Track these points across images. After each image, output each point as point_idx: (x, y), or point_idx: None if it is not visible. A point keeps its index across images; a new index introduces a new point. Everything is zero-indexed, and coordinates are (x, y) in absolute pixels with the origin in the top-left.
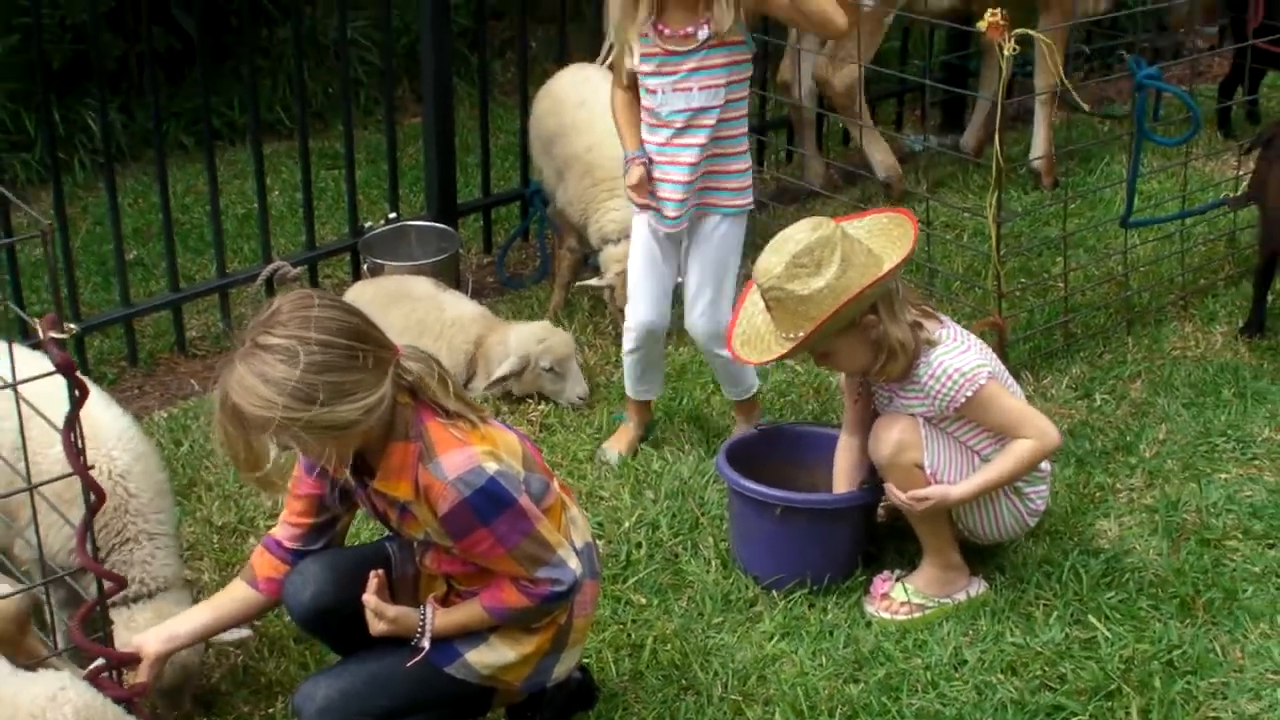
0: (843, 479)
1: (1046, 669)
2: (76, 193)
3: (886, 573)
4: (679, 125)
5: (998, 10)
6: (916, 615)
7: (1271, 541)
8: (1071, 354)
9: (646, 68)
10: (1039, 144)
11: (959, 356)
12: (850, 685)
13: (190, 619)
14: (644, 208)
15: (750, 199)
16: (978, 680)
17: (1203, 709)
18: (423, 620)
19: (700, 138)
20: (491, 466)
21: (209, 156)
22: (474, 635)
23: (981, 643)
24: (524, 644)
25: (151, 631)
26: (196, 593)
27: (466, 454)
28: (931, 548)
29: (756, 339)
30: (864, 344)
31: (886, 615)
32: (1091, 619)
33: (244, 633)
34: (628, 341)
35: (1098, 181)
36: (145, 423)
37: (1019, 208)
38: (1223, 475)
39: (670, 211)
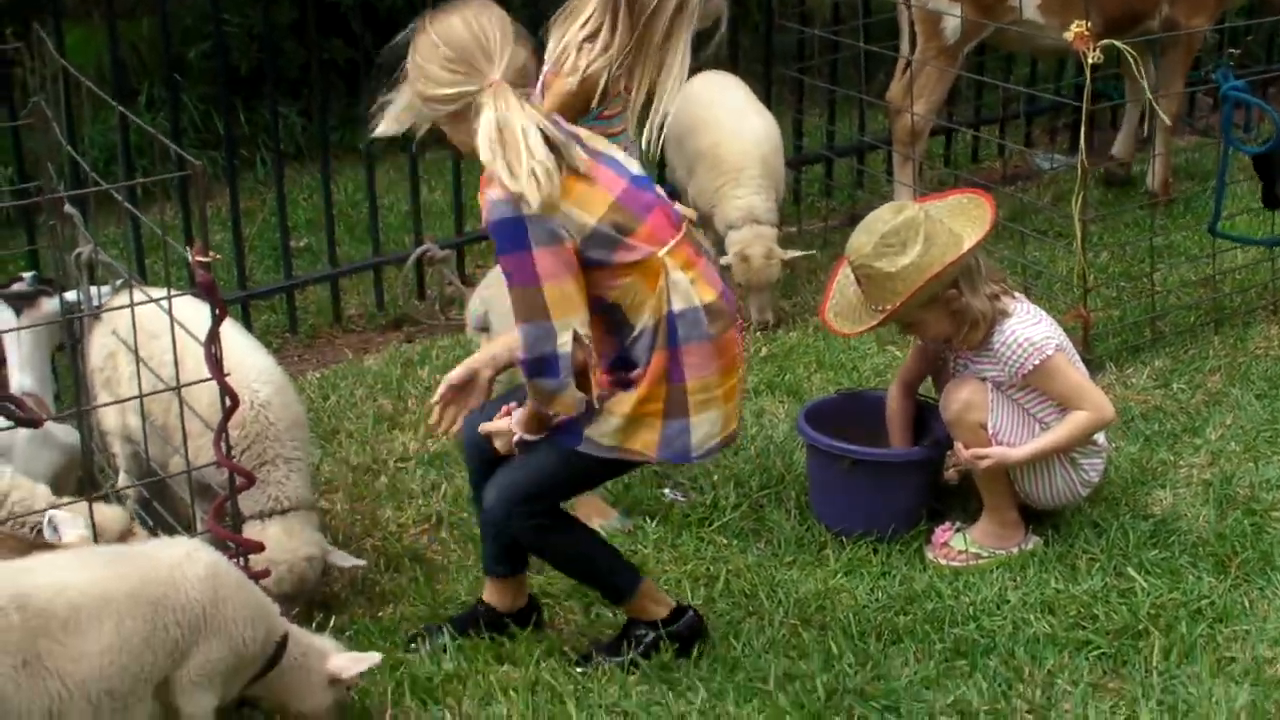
0: (896, 431)
1: (1081, 610)
2: (258, 188)
3: (947, 523)
4: None
5: (1084, 21)
6: (972, 564)
7: None
8: (1158, 349)
9: None
10: (1156, 167)
11: (1030, 328)
12: (900, 616)
13: None
14: None
15: None
16: (1016, 617)
17: (1220, 651)
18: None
19: None
20: (512, 209)
21: (367, 159)
22: (590, 412)
23: (1025, 586)
24: (623, 403)
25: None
26: (328, 521)
27: (504, 188)
28: (991, 504)
29: (849, 311)
30: (947, 315)
31: (944, 562)
32: (1131, 571)
33: (359, 562)
34: None
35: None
36: (299, 381)
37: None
38: None
39: None
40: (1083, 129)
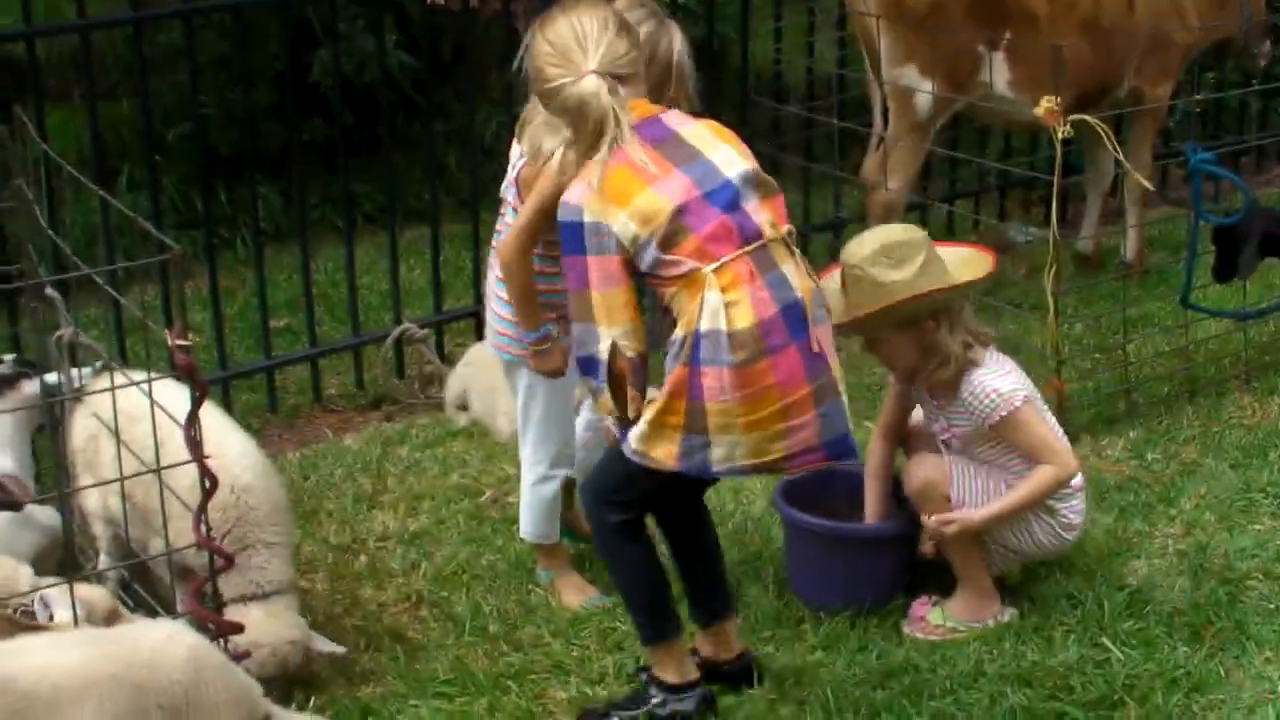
0: (874, 488)
1: (1058, 682)
2: (238, 267)
3: (924, 597)
4: None
5: (1054, 97)
6: (948, 638)
7: None
8: (1132, 420)
9: None
10: (1130, 239)
11: (999, 378)
12: (878, 690)
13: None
14: None
15: None
16: (993, 689)
17: None
18: None
19: None
20: (577, 213)
21: (348, 234)
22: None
23: (1002, 658)
24: (648, 412)
25: None
26: (308, 601)
27: (579, 190)
28: (964, 575)
29: None
30: (915, 345)
31: (921, 636)
32: (1106, 642)
33: (339, 648)
34: None
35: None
36: (279, 461)
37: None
38: (1257, 526)
39: None
40: (1055, 202)
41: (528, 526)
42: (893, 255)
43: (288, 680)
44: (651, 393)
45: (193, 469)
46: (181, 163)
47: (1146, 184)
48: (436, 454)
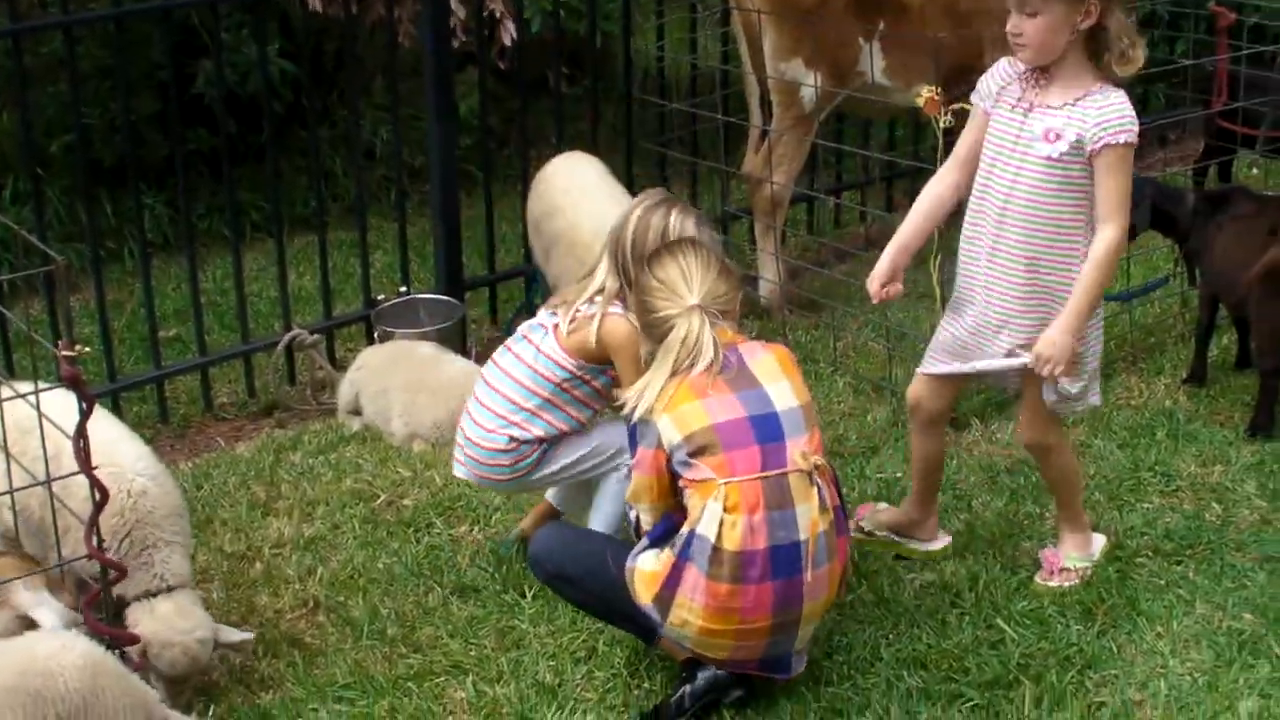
0: (922, 210)
1: (953, 664)
2: (126, 279)
3: (1050, 548)
4: None
5: (934, 86)
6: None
7: (1179, 559)
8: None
9: None
10: None
11: (1134, 113)
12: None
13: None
14: None
15: None
16: (889, 673)
17: (1090, 697)
18: None
19: None
20: (636, 416)
21: (235, 242)
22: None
23: (898, 642)
24: (657, 564)
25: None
26: (205, 608)
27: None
28: (1069, 510)
29: None
30: (1069, 26)
31: (1060, 584)
32: (1000, 623)
33: (246, 635)
34: None
35: None
36: (172, 471)
37: None
38: (1145, 504)
39: None
40: None
41: None
42: None
43: (188, 687)
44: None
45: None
46: (65, 174)
47: None
48: (330, 459)
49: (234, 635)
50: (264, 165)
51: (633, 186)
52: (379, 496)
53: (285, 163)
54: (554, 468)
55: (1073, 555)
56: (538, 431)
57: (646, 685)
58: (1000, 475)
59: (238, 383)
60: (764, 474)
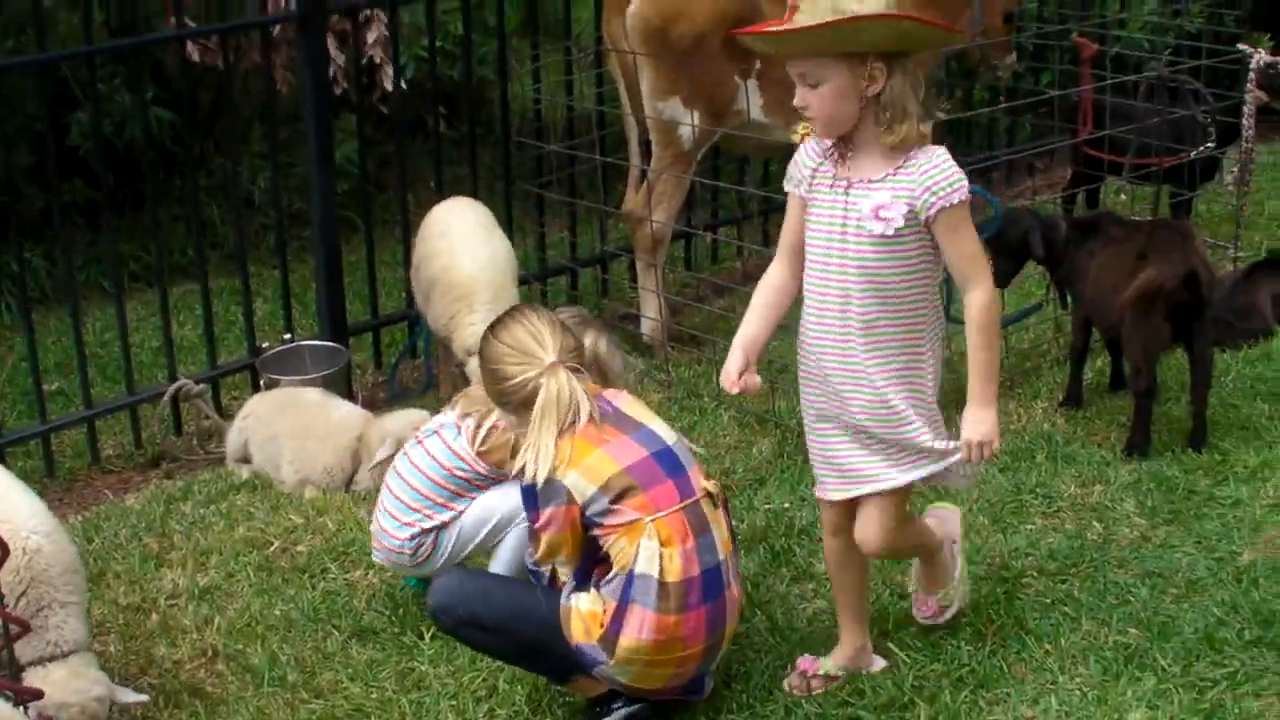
0: (763, 302)
1: (848, 687)
2: (4, 333)
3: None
4: None
5: (808, 124)
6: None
7: (1063, 578)
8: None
9: None
10: None
11: (956, 167)
12: (673, 711)
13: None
14: None
15: None
16: (787, 701)
17: (983, 715)
18: None
19: None
20: (540, 480)
21: (118, 287)
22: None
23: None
24: (594, 603)
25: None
26: (103, 663)
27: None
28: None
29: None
30: (855, 93)
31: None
32: (892, 646)
33: (141, 697)
34: None
35: None
36: (62, 524)
37: None
38: (1028, 526)
39: None
40: None
41: None
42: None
43: None
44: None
45: None
46: None
47: None
48: (221, 508)
49: (130, 696)
50: (141, 215)
51: (511, 228)
52: (272, 544)
53: (163, 212)
54: (452, 548)
55: (942, 591)
56: (440, 519)
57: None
58: None
59: (123, 435)
60: (683, 504)
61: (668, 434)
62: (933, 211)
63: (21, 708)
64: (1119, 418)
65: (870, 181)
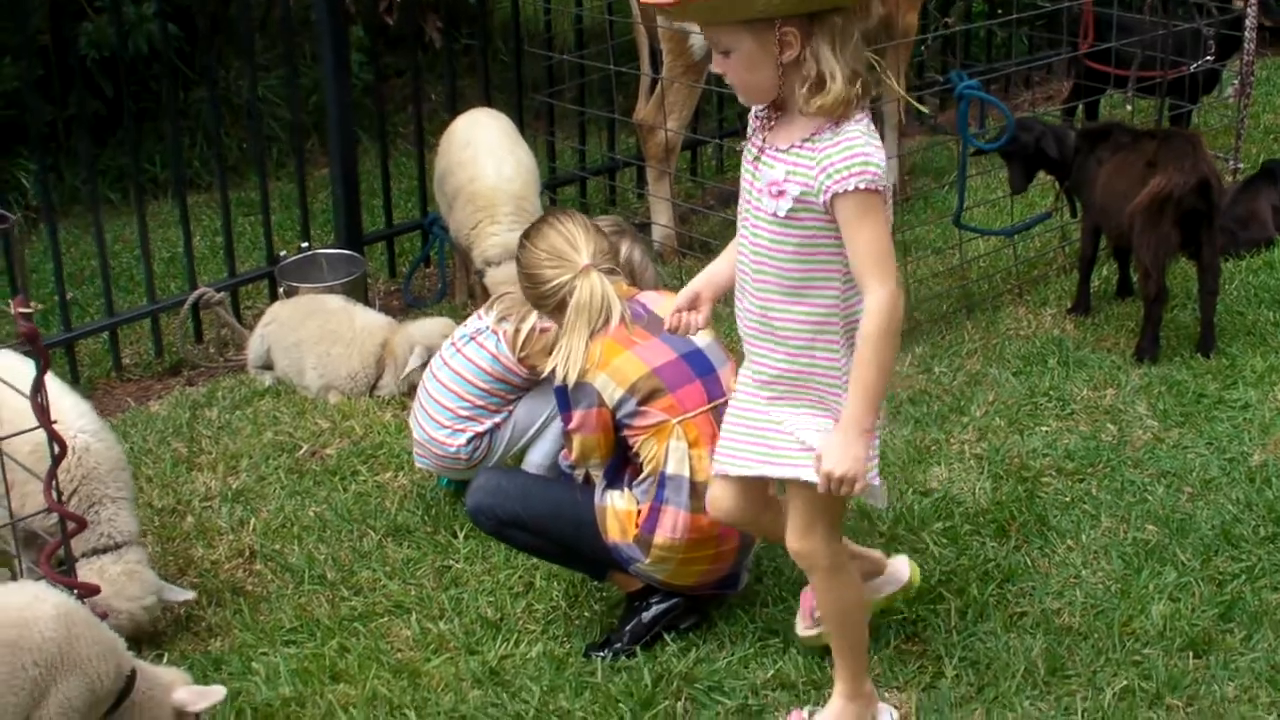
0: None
1: None
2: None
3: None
4: None
5: None
6: None
7: (1081, 477)
8: (916, 336)
9: None
10: (892, 167)
11: (875, 150)
12: (712, 605)
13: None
14: None
15: None
16: None
17: (1011, 607)
18: None
19: None
20: (570, 382)
21: (139, 198)
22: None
23: None
24: (629, 502)
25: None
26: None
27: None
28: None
29: None
30: (768, 60)
31: None
32: (922, 540)
33: (189, 594)
34: None
35: (929, 187)
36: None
37: None
38: (1043, 428)
39: None
40: None
41: None
42: None
43: (135, 641)
44: (628, 499)
45: (31, 436)
46: None
47: (922, 108)
48: (247, 414)
49: (178, 594)
50: (144, 129)
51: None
52: (301, 447)
53: (168, 125)
54: (505, 446)
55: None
56: (492, 421)
57: (586, 615)
58: (904, 405)
59: (139, 344)
60: (711, 404)
61: (702, 334)
62: (827, 196)
63: (80, 599)
64: (1127, 324)
65: (777, 150)
